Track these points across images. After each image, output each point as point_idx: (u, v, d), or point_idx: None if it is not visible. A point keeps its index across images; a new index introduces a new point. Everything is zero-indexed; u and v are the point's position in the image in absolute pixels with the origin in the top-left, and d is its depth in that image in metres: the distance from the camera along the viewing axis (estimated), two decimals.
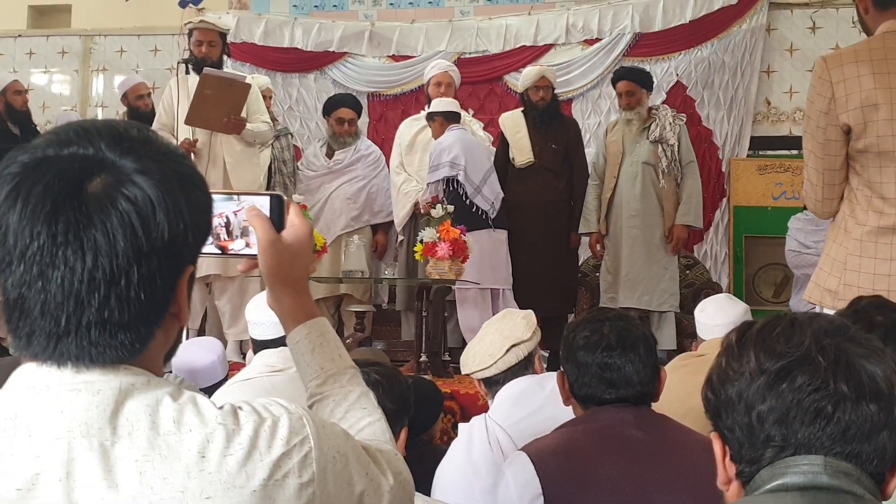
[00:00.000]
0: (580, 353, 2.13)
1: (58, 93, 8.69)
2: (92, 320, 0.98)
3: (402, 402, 2.32)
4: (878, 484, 1.06)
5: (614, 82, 6.23)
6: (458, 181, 5.78)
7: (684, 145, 6.04)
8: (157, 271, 1.01)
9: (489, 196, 5.89)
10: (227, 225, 1.27)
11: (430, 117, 6.05)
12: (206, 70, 5.60)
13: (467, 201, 5.80)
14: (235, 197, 1.28)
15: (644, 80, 6.13)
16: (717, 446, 1.13)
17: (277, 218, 1.29)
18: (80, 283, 0.97)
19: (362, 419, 1.31)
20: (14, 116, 6.64)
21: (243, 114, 5.65)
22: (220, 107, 5.51)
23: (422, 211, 5.93)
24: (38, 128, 6.83)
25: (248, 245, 1.29)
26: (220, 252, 1.27)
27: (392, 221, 6.53)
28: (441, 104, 6.05)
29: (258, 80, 6.26)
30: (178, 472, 0.97)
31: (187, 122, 5.49)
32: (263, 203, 1.29)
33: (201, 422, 1.01)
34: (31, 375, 1.02)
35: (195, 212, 1.05)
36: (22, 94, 6.78)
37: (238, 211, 1.27)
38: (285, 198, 1.31)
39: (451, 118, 6.01)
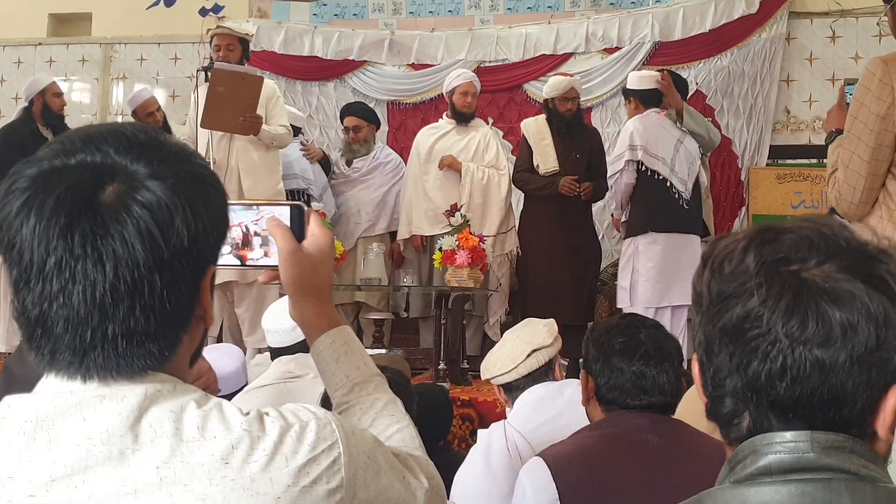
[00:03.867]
0: (615, 359, 2.12)
1: (78, 101, 8.73)
2: (118, 332, 0.97)
3: (410, 405, 2.33)
4: (863, 438, 0.93)
5: None
6: (644, 166, 5.49)
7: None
8: (179, 276, 0.99)
9: (683, 176, 5.54)
10: (246, 235, 1.26)
11: (627, 95, 5.81)
12: (217, 65, 5.59)
13: (668, 183, 5.49)
14: (255, 207, 1.27)
15: (678, 83, 6.07)
16: (694, 369, 1.02)
17: (298, 228, 1.28)
18: (102, 296, 0.95)
19: (391, 426, 1.30)
20: (49, 119, 6.44)
21: (260, 114, 5.62)
22: (234, 105, 5.44)
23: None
24: None
25: (266, 255, 1.28)
26: (239, 263, 1.26)
27: None
28: (640, 80, 5.74)
29: (266, 85, 6.21)
30: (200, 478, 0.96)
31: (203, 124, 5.46)
32: (283, 213, 1.28)
33: (226, 428, 0.99)
34: (57, 383, 1.00)
35: (213, 211, 1.04)
36: (61, 96, 6.62)
37: (257, 220, 1.27)
38: (306, 208, 1.30)
39: (650, 102, 5.68)
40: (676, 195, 5.52)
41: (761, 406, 0.94)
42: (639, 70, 6.29)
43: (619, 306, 5.64)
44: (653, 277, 5.46)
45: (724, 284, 0.95)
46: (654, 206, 5.50)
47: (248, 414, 1.02)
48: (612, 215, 6.14)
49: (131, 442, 0.96)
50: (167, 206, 0.98)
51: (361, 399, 1.30)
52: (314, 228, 1.29)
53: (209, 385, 1.93)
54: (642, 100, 5.69)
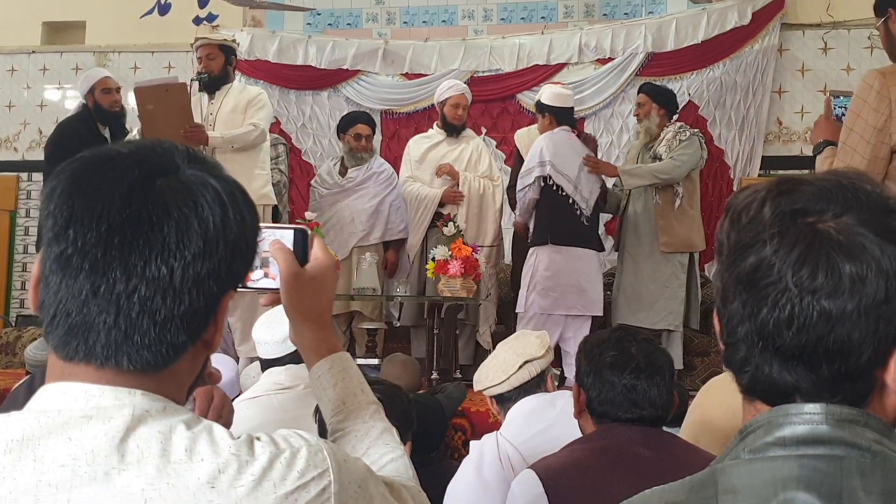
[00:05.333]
0: (606, 372, 2.13)
1: (71, 109, 8.71)
2: (142, 311, 0.98)
3: (405, 417, 2.33)
4: (871, 390, 0.94)
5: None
6: (552, 181, 5.61)
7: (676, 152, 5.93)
8: (214, 275, 1.01)
9: (585, 194, 5.70)
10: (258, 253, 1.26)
11: (541, 110, 5.88)
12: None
13: (570, 200, 5.64)
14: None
15: (656, 95, 6.11)
16: (715, 318, 1.03)
17: (301, 251, 1.27)
18: (140, 274, 0.97)
19: (385, 455, 1.29)
20: (104, 118, 6.14)
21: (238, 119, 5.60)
22: (169, 118, 5.34)
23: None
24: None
25: (267, 276, 1.27)
26: (241, 285, 1.26)
27: (404, 240, 6.54)
28: (556, 98, 5.85)
29: (250, 90, 6.18)
30: (186, 500, 0.95)
31: None
32: (287, 236, 1.28)
33: (214, 451, 0.98)
34: (46, 399, 1.00)
35: (253, 225, 1.06)
36: (111, 92, 6.25)
37: (259, 242, 1.25)
38: (309, 231, 1.30)
39: (563, 119, 5.81)
40: (578, 212, 5.68)
41: (766, 353, 0.95)
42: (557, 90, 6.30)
43: (517, 311, 5.79)
44: (549, 287, 5.58)
45: (741, 234, 0.97)
46: (556, 220, 5.64)
47: (238, 438, 1.01)
48: (514, 222, 6.21)
49: (117, 462, 0.95)
50: (224, 203, 1.01)
51: (357, 427, 1.30)
52: (317, 252, 1.29)
53: (225, 416, 1.91)
54: (556, 116, 5.80)
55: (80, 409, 0.98)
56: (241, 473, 0.97)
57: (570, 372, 4.96)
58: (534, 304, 5.59)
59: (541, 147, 5.67)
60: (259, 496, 0.97)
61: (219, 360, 3.68)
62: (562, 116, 5.80)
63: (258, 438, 1.03)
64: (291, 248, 1.27)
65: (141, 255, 0.97)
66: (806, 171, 3.12)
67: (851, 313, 0.91)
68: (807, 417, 0.93)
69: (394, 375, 4.29)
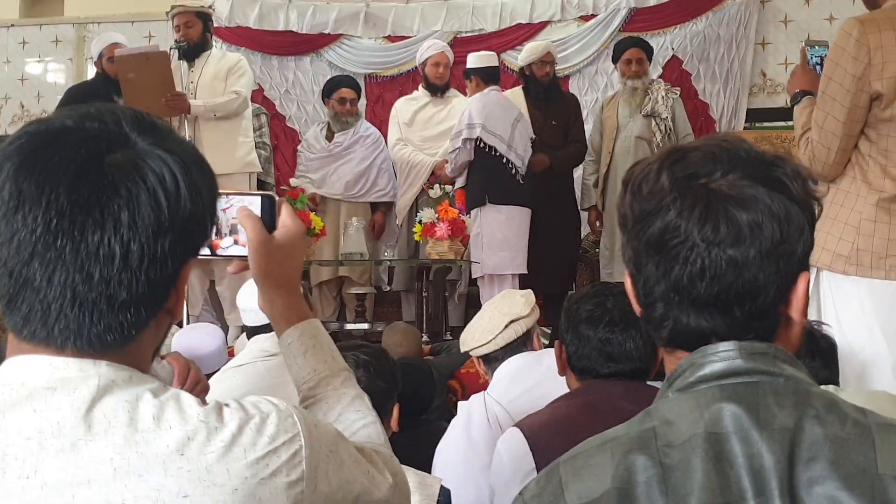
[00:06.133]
0: (582, 326, 2.13)
1: (52, 82, 8.65)
2: (99, 294, 0.96)
3: (392, 379, 2.35)
4: (777, 325, 1.06)
5: (622, 51, 6.24)
6: (484, 143, 5.62)
7: (680, 119, 6.07)
8: (169, 251, 0.99)
9: (520, 152, 5.73)
10: (217, 224, 1.22)
11: (468, 75, 5.91)
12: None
13: (504, 160, 5.64)
14: (225, 196, 1.24)
15: (650, 52, 6.18)
16: (627, 284, 1.15)
17: (269, 218, 1.27)
18: (93, 256, 0.95)
19: (356, 422, 1.29)
20: (114, 87, 5.74)
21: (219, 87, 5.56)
22: (150, 87, 5.30)
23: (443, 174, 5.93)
24: None
25: (236, 242, 1.27)
26: (209, 252, 1.24)
27: (391, 203, 6.54)
28: (480, 59, 5.89)
29: (230, 58, 6.12)
30: (155, 468, 0.95)
31: None
32: (254, 203, 1.27)
33: (182, 419, 0.98)
34: (9, 372, 0.99)
35: (210, 196, 1.05)
36: None
37: (227, 209, 1.25)
38: (277, 198, 1.29)
39: (490, 78, 5.83)
40: (513, 170, 5.68)
41: (683, 305, 1.05)
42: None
43: (474, 276, 5.82)
44: (496, 246, 5.62)
45: (644, 203, 1.07)
46: (491, 180, 5.64)
47: (206, 405, 1.01)
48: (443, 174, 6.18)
49: (84, 433, 0.95)
50: (176, 177, 0.99)
51: (328, 394, 1.29)
52: (285, 219, 1.28)
53: (200, 390, 1.92)
54: (482, 77, 5.81)
55: (44, 381, 0.98)
56: (210, 440, 0.98)
57: None
58: (488, 266, 5.63)
59: (470, 109, 5.70)
60: (230, 462, 0.98)
61: (206, 330, 3.70)
62: (488, 76, 5.83)
63: (227, 405, 1.03)
64: (259, 215, 1.26)
65: (93, 238, 0.95)
66: (791, 123, 3.14)
67: (755, 258, 1.02)
68: (723, 355, 1.04)
69: (394, 343, 4.32)
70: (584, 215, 6.51)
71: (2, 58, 8.76)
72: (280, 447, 1.01)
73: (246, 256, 1.27)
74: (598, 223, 6.17)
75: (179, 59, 5.67)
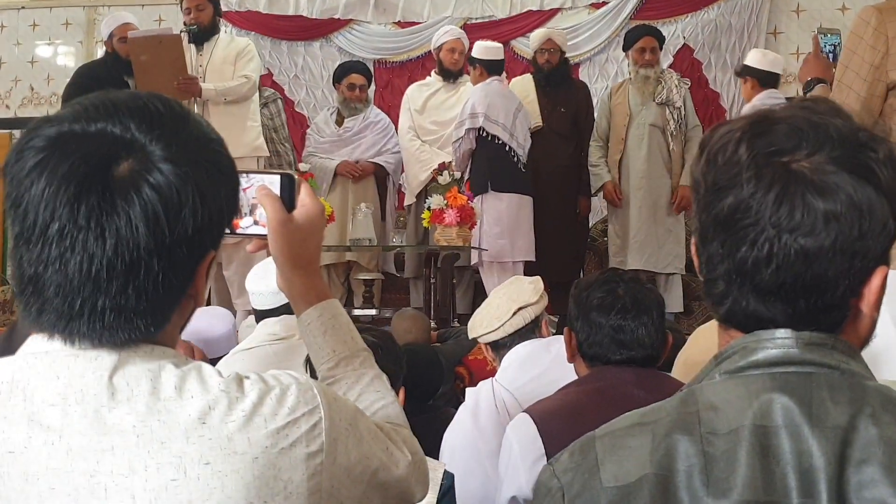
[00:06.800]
0: (593, 314, 2.13)
1: (63, 65, 8.65)
2: (107, 305, 0.97)
3: (398, 363, 2.35)
4: (845, 318, 0.99)
5: (634, 39, 6.19)
6: (487, 132, 5.72)
7: (689, 109, 6.06)
8: (178, 262, 0.99)
9: (521, 141, 5.84)
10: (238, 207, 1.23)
11: (472, 63, 6.00)
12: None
13: (506, 147, 5.74)
14: (245, 175, 1.23)
15: (662, 41, 6.19)
16: (692, 251, 1.07)
17: (288, 197, 1.25)
18: (98, 270, 0.95)
19: (376, 402, 1.29)
20: (123, 68, 5.64)
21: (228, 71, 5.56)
22: (163, 70, 5.28)
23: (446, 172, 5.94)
24: None
25: (256, 223, 1.26)
26: (229, 231, 1.22)
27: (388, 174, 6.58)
28: (486, 51, 5.98)
29: (238, 42, 6.12)
30: (177, 436, 0.96)
31: None
32: (274, 182, 1.25)
33: (204, 389, 0.99)
34: (35, 344, 1.01)
35: (222, 201, 1.03)
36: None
37: (247, 189, 1.24)
38: (296, 176, 1.28)
39: (493, 69, 5.93)
40: (515, 158, 5.78)
41: (744, 288, 0.98)
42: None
43: (472, 262, 5.91)
44: (496, 234, 5.71)
45: (718, 175, 0.99)
46: (493, 168, 5.75)
47: (227, 376, 1.02)
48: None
49: (107, 400, 0.97)
50: (177, 193, 0.97)
51: (347, 374, 1.30)
52: (304, 199, 1.27)
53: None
54: (486, 68, 5.88)
55: (67, 349, 0.99)
56: (231, 409, 0.99)
57: None
58: (488, 253, 5.71)
59: (472, 100, 5.79)
60: (250, 431, 0.99)
61: (216, 314, 3.69)
62: (492, 68, 5.92)
63: (247, 377, 1.04)
64: (279, 194, 1.25)
65: (99, 251, 0.95)
66: None
67: (828, 251, 0.94)
68: (779, 342, 0.98)
69: (404, 329, 4.30)
70: (594, 202, 6.48)
71: (12, 40, 8.76)
72: (300, 418, 1.02)
73: (265, 236, 1.26)
74: (615, 193, 6.08)
75: (189, 42, 5.66)
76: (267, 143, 6.15)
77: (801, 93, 3.29)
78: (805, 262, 0.95)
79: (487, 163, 5.75)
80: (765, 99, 5.27)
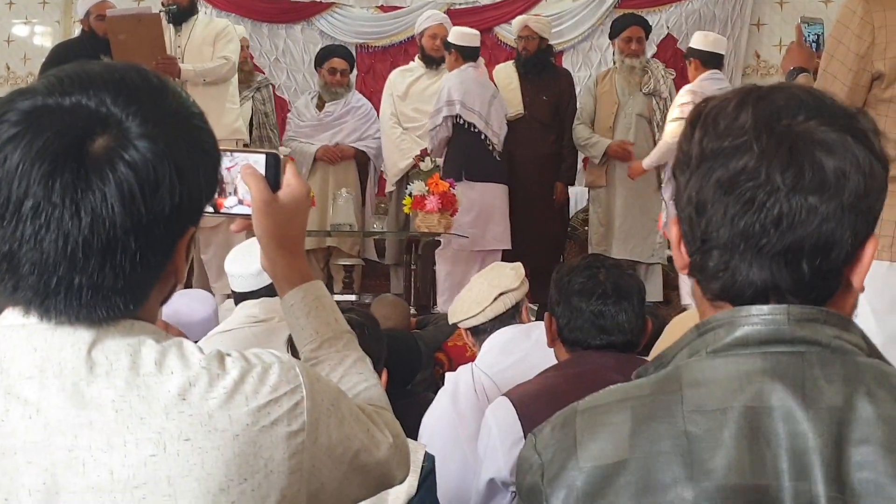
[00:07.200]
0: (574, 298, 2.14)
1: (39, 44, 8.55)
2: (84, 283, 0.95)
3: (380, 345, 2.34)
4: (838, 288, 0.99)
5: (621, 28, 6.18)
6: (463, 119, 5.70)
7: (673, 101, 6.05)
8: (155, 240, 0.97)
9: (496, 129, 5.82)
10: (221, 182, 1.19)
11: (448, 48, 5.97)
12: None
13: (482, 136, 5.73)
14: (229, 153, 1.22)
15: (649, 30, 6.20)
16: (673, 231, 1.05)
17: (273, 177, 1.24)
18: (73, 248, 0.93)
19: (359, 384, 1.28)
20: (100, 47, 5.45)
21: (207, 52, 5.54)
22: (141, 49, 5.20)
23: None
24: None
25: (240, 202, 1.25)
26: (213, 210, 1.21)
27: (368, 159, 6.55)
28: (462, 37, 5.95)
29: (217, 23, 6.04)
30: (157, 412, 0.95)
31: None
32: (258, 161, 1.24)
33: (184, 365, 0.98)
34: (10, 317, 0.99)
35: (202, 178, 1.01)
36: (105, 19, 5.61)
37: (231, 168, 1.23)
38: (281, 156, 1.26)
39: (469, 56, 5.90)
40: (490, 147, 5.77)
41: (747, 254, 0.96)
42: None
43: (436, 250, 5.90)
44: (467, 223, 5.69)
45: (719, 140, 0.98)
46: (468, 156, 5.74)
47: (208, 353, 1.01)
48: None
49: (85, 373, 0.96)
50: (154, 171, 0.95)
51: (331, 355, 1.28)
52: (290, 178, 1.25)
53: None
54: (462, 54, 5.86)
55: (44, 324, 0.98)
56: (212, 386, 0.98)
57: None
58: (453, 241, 5.69)
59: (448, 86, 5.77)
60: (231, 409, 0.98)
61: (198, 297, 3.66)
62: (468, 54, 5.89)
63: (228, 355, 1.03)
64: (263, 174, 1.23)
65: (74, 230, 0.93)
66: None
67: (836, 209, 0.94)
68: (768, 318, 0.96)
69: (383, 316, 4.27)
70: (574, 191, 6.47)
71: None
72: (282, 397, 1.01)
73: (250, 216, 1.25)
74: (624, 145, 5.97)
75: (168, 22, 5.61)
76: (258, 128, 6.13)
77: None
78: (814, 220, 0.94)
79: (462, 151, 5.74)
80: (708, 77, 5.48)
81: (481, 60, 6.21)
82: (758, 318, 0.96)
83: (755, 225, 0.95)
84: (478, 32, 6.17)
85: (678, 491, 0.92)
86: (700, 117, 1.01)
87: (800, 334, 0.95)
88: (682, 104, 5.39)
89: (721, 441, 0.92)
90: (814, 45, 3.18)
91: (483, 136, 5.73)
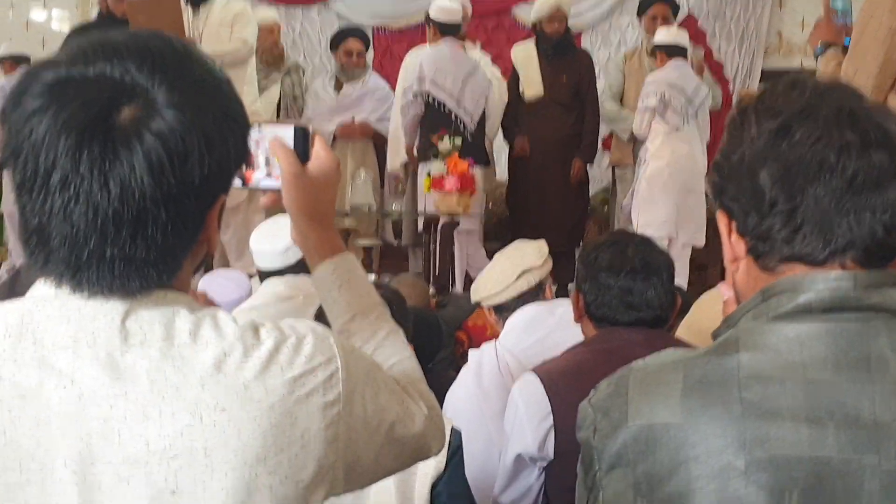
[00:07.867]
0: (602, 275, 2.12)
1: (57, 29, 8.57)
2: (116, 255, 0.94)
3: (408, 321, 2.33)
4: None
5: (647, 6, 6.18)
6: (433, 97, 5.67)
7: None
8: (186, 211, 0.96)
9: (469, 108, 5.77)
10: (250, 155, 1.19)
11: (427, 22, 5.95)
12: None
13: (452, 115, 5.71)
14: (257, 125, 1.21)
15: (676, 10, 6.16)
16: (722, 224, 1.04)
17: (302, 150, 1.23)
18: (104, 220, 0.92)
19: (392, 356, 1.26)
20: (119, 27, 5.68)
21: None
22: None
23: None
24: None
25: (269, 175, 1.24)
26: (241, 184, 1.20)
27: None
28: (441, 12, 5.88)
29: (264, 13, 6.08)
30: (192, 383, 0.94)
31: None
32: (287, 134, 1.23)
33: (219, 335, 0.97)
34: (43, 288, 0.98)
35: (231, 148, 0.99)
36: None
37: (259, 141, 1.22)
38: (310, 129, 1.25)
39: (448, 31, 5.83)
40: (462, 126, 5.73)
41: (818, 213, 0.95)
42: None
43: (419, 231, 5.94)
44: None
45: (774, 116, 0.99)
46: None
47: (242, 324, 1.00)
48: (405, 144, 6.17)
49: (120, 343, 0.95)
50: (182, 141, 0.94)
51: (363, 328, 1.27)
52: (319, 151, 1.24)
53: None
54: (440, 29, 5.84)
55: (77, 295, 0.96)
56: (247, 357, 0.97)
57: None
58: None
59: (420, 62, 5.74)
60: (266, 379, 0.97)
61: (233, 277, 3.66)
62: (446, 29, 5.85)
63: (262, 325, 1.02)
64: (292, 147, 1.22)
65: (104, 201, 0.92)
66: None
67: None
68: (834, 285, 0.94)
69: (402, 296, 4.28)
70: (594, 171, 6.42)
71: (6, 3, 8.69)
72: (317, 368, 1.01)
73: (279, 189, 1.24)
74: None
75: (185, 4, 5.61)
76: (285, 110, 6.11)
77: (806, 62, 3.25)
78: (886, 176, 0.94)
79: (433, 129, 5.68)
80: (672, 66, 5.73)
81: (463, 36, 6.13)
82: (823, 284, 0.95)
83: (830, 182, 0.94)
84: (460, 8, 6.02)
85: (729, 458, 0.90)
86: (750, 106, 1.02)
87: (867, 301, 0.93)
88: (645, 95, 5.64)
89: (777, 410, 0.90)
90: (844, 19, 3.14)
91: (454, 116, 5.68)
